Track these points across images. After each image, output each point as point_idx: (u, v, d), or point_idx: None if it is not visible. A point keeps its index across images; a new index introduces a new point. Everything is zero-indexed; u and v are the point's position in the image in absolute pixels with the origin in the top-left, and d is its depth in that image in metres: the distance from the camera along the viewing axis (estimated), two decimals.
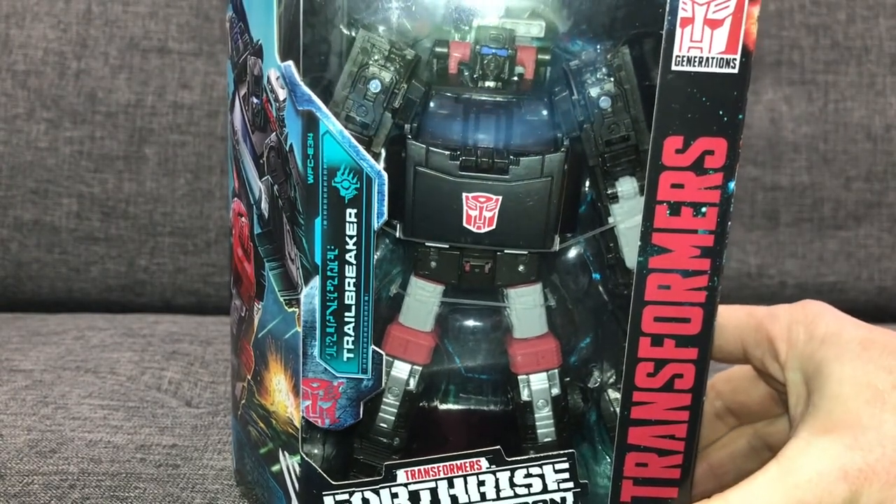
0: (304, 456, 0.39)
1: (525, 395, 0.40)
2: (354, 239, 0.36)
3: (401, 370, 0.40)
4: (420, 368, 0.40)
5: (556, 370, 0.40)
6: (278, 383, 0.40)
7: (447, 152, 0.36)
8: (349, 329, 0.37)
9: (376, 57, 0.36)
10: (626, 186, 0.37)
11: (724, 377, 0.46)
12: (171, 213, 0.84)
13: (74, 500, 0.47)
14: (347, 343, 0.37)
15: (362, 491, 0.39)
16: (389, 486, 0.38)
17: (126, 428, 0.54)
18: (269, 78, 0.36)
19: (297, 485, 0.39)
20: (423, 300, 0.39)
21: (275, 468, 0.41)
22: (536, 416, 0.40)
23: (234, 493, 0.47)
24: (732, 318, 0.41)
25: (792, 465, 0.35)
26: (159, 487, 0.48)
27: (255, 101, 0.38)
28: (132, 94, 0.84)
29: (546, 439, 0.40)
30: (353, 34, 0.36)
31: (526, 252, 0.38)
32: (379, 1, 0.36)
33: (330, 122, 0.35)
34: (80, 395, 0.58)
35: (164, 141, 0.84)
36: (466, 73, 0.36)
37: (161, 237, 0.85)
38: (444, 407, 0.42)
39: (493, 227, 0.36)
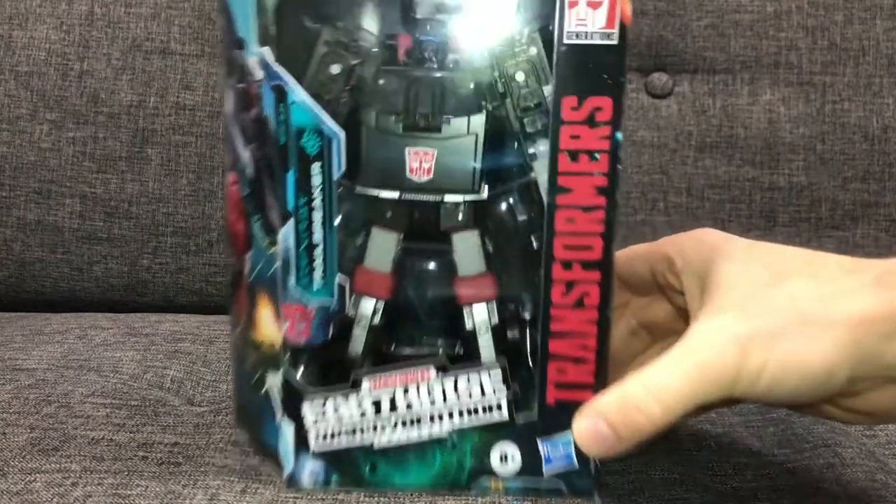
0: (286, 371, 0.46)
1: (469, 325, 0.47)
2: (320, 188, 0.44)
3: (367, 305, 0.47)
4: (383, 304, 0.47)
5: (493, 302, 0.47)
6: (265, 315, 0.47)
7: (392, 116, 0.45)
8: (318, 262, 0.45)
9: (337, 47, 0.45)
10: (543, 147, 0.44)
11: (636, 299, 0.52)
12: (174, 213, 0.85)
13: (77, 498, 0.47)
14: (317, 274, 0.45)
15: (334, 398, 0.46)
16: (356, 394, 0.46)
17: (128, 426, 0.54)
18: (249, 64, 0.44)
19: (280, 396, 0.47)
20: (381, 246, 0.47)
21: (263, 390, 0.48)
22: (480, 340, 0.47)
23: (235, 490, 0.48)
24: (641, 249, 0.49)
25: (693, 340, 0.40)
26: (161, 485, 0.48)
27: (240, 85, 0.46)
28: (135, 95, 0.84)
29: (488, 359, 0.47)
30: (320, 27, 0.45)
31: (462, 201, 0.46)
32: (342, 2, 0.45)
33: (296, 94, 0.43)
34: (83, 393, 0.58)
35: (167, 141, 0.85)
36: (411, 59, 0.45)
37: (163, 237, 0.85)
38: (409, 350, 0.49)
39: (431, 176, 0.45)
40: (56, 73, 0.84)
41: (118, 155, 0.84)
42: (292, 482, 0.47)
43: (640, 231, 0.86)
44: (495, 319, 0.47)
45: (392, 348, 0.48)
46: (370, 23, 0.45)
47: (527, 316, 0.47)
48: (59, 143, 0.84)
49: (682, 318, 0.49)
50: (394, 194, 0.46)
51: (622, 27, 0.42)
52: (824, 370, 0.39)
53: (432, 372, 0.46)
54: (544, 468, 0.46)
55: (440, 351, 0.48)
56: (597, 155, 0.43)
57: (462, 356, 0.47)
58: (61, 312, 0.80)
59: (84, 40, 0.85)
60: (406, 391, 0.46)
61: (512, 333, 0.48)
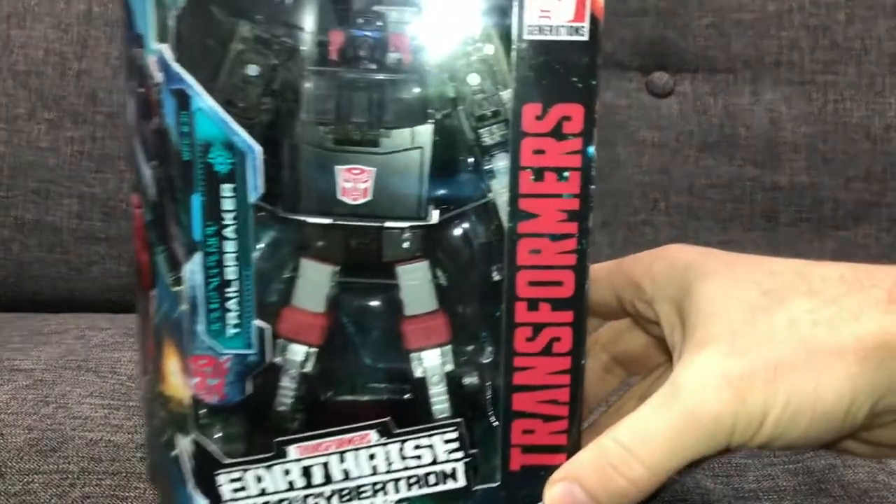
0: (196, 436, 0.38)
1: (419, 372, 0.40)
2: (232, 214, 0.36)
3: (296, 353, 0.39)
4: (316, 350, 0.39)
5: (448, 346, 0.39)
6: (172, 366, 0.39)
7: (321, 127, 0.37)
8: (232, 304, 0.37)
9: (256, 44, 0.36)
10: (502, 163, 0.37)
11: (606, 329, 0.46)
12: None
13: (75, 499, 0.47)
14: (231, 318, 0.37)
15: (255, 468, 0.38)
16: (282, 463, 0.38)
17: (127, 427, 0.54)
18: (148, 65, 0.36)
19: (191, 466, 0.39)
20: (313, 281, 0.39)
21: (173, 453, 0.40)
22: (431, 391, 0.39)
23: None
24: (603, 270, 0.43)
25: (677, 384, 0.35)
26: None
27: (140, 90, 0.38)
28: None
29: (442, 415, 0.39)
30: (235, 21, 0.36)
31: (407, 226, 0.38)
32: None
33: (202, 100, 0.35)
34: (81, 394, 0.58)
35: None
36: (344, 58, 0.37)
37: None
38: (349, 398, 0.41)
39: (369, 198, 0.37)
40: (54, 72, 0.84)
41: (116, 154, 0.84)
42: None
43: (640, 231, 0.86)
44: (450, 366, 0.39)
45: (329, 396, 0.40)
46: (299, 16, 0.37)
47: (486, 360, 0.40)
48: (58, 143, 0.84)
49: (662, 350, 0.43)
50: (325, 220, 0.38)
51: (594, 20, 0.35)
52: (840, 408, 0.33)
53: (373, 435, 0.38)
54: None
55: (385, 398, 0.40)
56: (566, 173, 0.36)
57: (412, 405, 0.40)
58: (59, 313, 0.80)
59: (82, 39, 0.85)
60: (342, 457, 0.38)
61: (470, 380, 0.40)
